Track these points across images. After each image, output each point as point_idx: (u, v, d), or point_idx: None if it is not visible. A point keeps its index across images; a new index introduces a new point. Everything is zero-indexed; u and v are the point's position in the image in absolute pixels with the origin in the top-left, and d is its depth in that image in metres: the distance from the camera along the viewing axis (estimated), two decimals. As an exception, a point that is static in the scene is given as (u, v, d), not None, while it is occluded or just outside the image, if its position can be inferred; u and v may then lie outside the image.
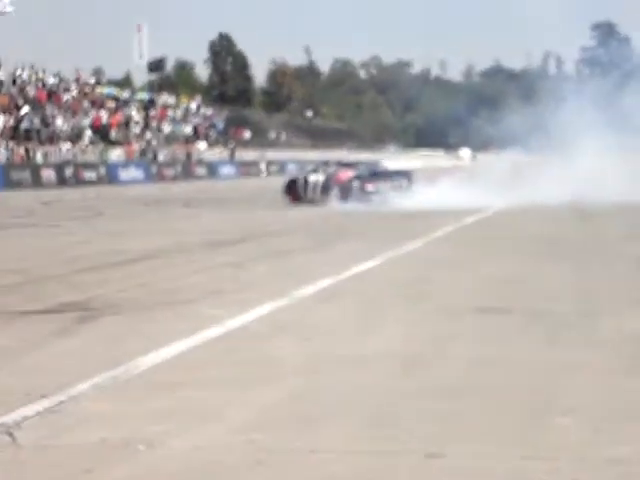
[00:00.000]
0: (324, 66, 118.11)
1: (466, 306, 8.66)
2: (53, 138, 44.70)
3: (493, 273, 11.04)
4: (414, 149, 78.64)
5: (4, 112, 43.20)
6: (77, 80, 54.55)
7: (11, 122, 42.76)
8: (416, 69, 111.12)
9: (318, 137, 78.23)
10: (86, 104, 51.83)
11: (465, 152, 76.71)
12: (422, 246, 14.24)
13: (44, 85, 50.45)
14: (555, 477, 4.29)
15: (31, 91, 48.65)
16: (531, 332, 7.51)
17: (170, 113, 59.90)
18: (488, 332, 7.52)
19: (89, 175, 42.17)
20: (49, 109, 47.46)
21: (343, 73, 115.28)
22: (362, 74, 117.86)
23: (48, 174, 39.27)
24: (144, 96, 60.43)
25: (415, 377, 6.07)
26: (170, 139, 55.58)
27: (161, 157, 51.19)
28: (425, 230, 16.38)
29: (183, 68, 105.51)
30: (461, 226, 17.93)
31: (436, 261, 12.38)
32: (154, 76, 64.71)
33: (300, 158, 55.48)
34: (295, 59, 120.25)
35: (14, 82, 48.77)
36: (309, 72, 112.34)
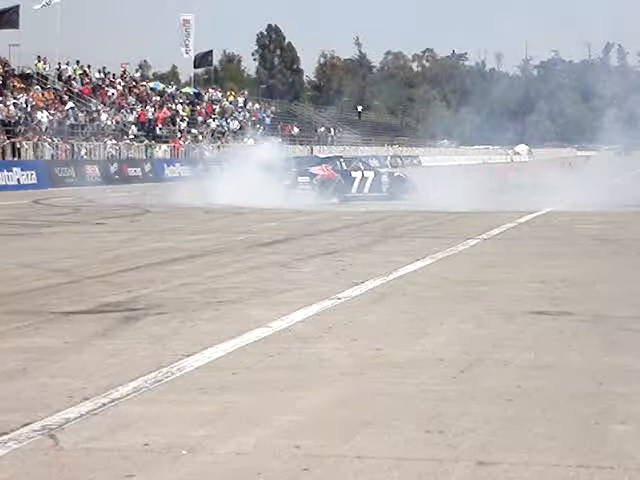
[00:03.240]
0: (375, 59, 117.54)
1: (521, 308, 8.48)
2: (98, 134, 44.91)
3: (550, 274, 10.81)
4: (469, 144, 78.04)
5: (49, 108, 43.47)
6: (123, 75, 54.84)
7: (56, 118, 43.01)
8: (471, 61, 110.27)
9: (369, 132, 77.90)
10: (131, 99, 52.07)
11: (522, 148, 76.15)
12: (474, 246, 14.05)
13: (89, 80, 50.77)
14: (613, 489, 4.14)
15: (76, 86, 48.98)
16: (589, 336, 7.32)
17: (217, 108, 59.99)
18: (544, 335, 7.35)
19: (134, 171, 42.25)
20: (94, 104, 47.74)
21: (395, 66, 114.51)
22: (414, 67, 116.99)
23: (92, 170, 39.43)
24: (190, 91, 60.59)
25: (467, 382, 5.92)
26: (217, 134, 55.64)
27: (207, 153, 51.26)
28: (475, 230, 16.17)
29: (230, 61, 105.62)
30: (517, 224, 17.72)
31: (490, 261, 12.18)
32: (200, 70, 64.89)
33: (350, 154, 55.37)
34: (345, 52, 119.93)
35: (59, 77, 49.13)
36: (360, 65, 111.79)
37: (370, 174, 27.06)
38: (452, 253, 12.96)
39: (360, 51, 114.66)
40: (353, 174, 26.61)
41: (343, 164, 26.90)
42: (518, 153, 75.41)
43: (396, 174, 28.94)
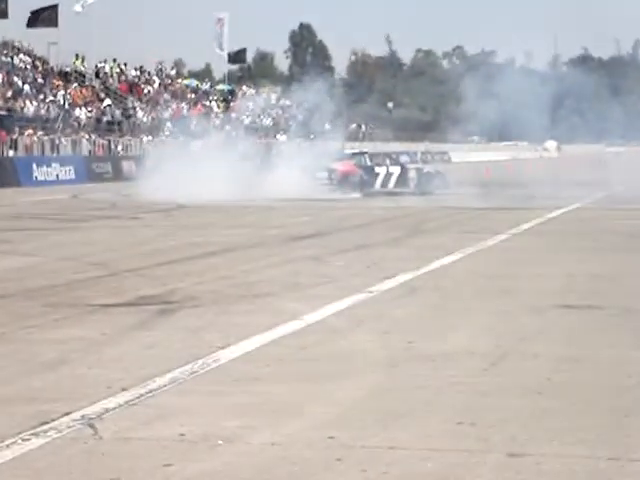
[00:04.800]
0: (406, 56, 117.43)
1: (551, 302, 8.50)
2: (134, 130, 45.21)
3: (580, 268, 10.82)
4: (498, 140, 77.76)
5: (87, 105, 43.84)
6: (158, 72, 55.13)
7: (94, 115, 43.38)
8: (500, 59, 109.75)
9: (399, 129, 77.78)
10: (167, 96, 52.33)
11: (551, 144, 75.71)
12: (504, 240, 14.06)
13: (126, 78, 51.09)
14: (642, 480, 4.18)
15: (113, 84, 49.31)
16: (618, 330, 7.35)
17: (250, 104, 60.12)
18: (574, 329, 7.38)
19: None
20: (130, 101, 48.04)
21: (425, 63, 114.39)
22: (445, 64, 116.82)
23: (129, 166, 39.71)
24: (224, 87, 60.77)
25: (498, 375, 5.97)
26: (250, 131, 55.77)
27: (241, 149, 51.38)
28: (505, 225, 16.16)
29: (263, 59, 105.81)
30: (546, 219, 17.69)
31: (519, 256, 12.20)
32: (234, 67, 65.07)
33: (381, 150, 55.31)
34: (376, 49, 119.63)
35: (97, 75, 49.48)
36: (390, 62, 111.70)
37: (396, 169, 27.05)
38: (482, 248, 12.99)
39: (391, 49, 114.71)
40: (377, 169, 26.69)
41: (367, 159, 27.01)
42: (547, 149, 74.96)
43: (425, 170, 28.88)
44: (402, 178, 26.79)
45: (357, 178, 26.14)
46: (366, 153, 28.63)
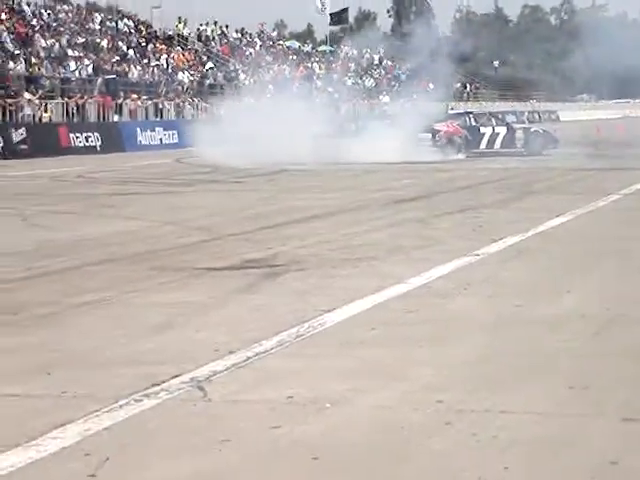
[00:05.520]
0: (512, 12, 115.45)
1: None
2: (236, 93, 45.44)
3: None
4: (609, 99, 76.08)
5: (190, 69, 44.21)
6: (260, 34, 55.28)
7: (196, 78, 43.73)
8: (611, 13, 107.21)
9: (506, 87, 76.80)
10: (268, 58, 52.46)
11: None
12: (615, 201, 13.76)
13: (227, 40, 51.36)
14: None
15: (215, 47, 49.61)
16: None
17: (352, 66, 59.94)
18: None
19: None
20: (232, 64, 48.30)
21: (533, 19, 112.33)
22: (552, 20, 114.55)
23: (231, 130, 39.89)
24: (326, 48, 60.65)
25: (609, 339, 5.85)
26: (352, 92, 55.63)
27: (343, 110, 51.30)
28: (616, 186, 15.81)
29: (366, 19, 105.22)
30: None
31: (631, 216, 11.93)
32: (336, 28, 64.84)
33: (487, 110, 54.69)
34: (481, 6, 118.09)
35: (199, 38, 49.84)
36: (496, 19, 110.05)
37: (502, 129, 26.66)
38: (592, 209, 12.73)
39: (496, 5, 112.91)
40: (482, 130, 26.32)
41: (472, 120, 26.68)
42: None
43: (533, 129, 28.40)
44: (509, 138, 26.39)
45: (462, 139, 25.83)
46: (471, 113, 28.31)
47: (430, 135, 25.66)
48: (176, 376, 5.05)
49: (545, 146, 26.39)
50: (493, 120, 27.41)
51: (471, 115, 27.48)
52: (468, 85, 72.38)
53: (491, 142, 26.23)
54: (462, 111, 29.05)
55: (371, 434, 4.25)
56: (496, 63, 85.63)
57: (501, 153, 25.76)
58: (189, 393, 4.80)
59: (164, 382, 4.94)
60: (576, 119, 64.52)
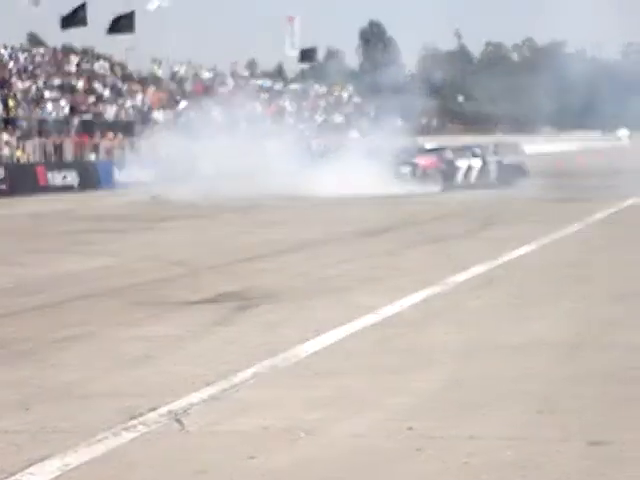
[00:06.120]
0: (475, 49, 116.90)
1: (630, 289, 8.45)
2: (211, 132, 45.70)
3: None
4: (570, 131, 76.94)
5: (164, 108, 44.53)
6: (232, 74, 55.63)
7: (170, 117, 44.00)
8: (570, 49, 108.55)
9: (471, 122, 77.50)
10: (241, 97, 52.73)
11: (623, 132, 74.69)
12: (578, 230, 13.97)
13: (201, 80, 51.70)
14: None
15: (189, 86, 49.93)
16: None
17: (322, 103, 60.33)
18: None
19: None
20: (205, 103, 48.52)
21: (495, 56, 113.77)
22: (515, 57, 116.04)
23: (206, 166, 40.04)
24: (296, 87, 61.05)
25: (577, 363, 5.97)
26: (322, 129, 55.95)
27: (314, 146, 51.58)
28: (579, 215, 16.06)
29: (334, 57, 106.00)
30: (619, 209, 17.51)
31: (595, 244, 12.12)
32: (306, 66, 65.31)
33: (453, 143, 55.08)
34: (445, 44, 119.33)
35: (172, 78, 50.21)
36: (460, 56, 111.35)
37: (477, 162, 27.02)
38: (557, 237, 12.95)
39: (460, 43, 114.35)
40: (458, 163, 26.68)
41: (448, 154, 27.02)
42: (619, 138, 73.77)
43: (505, 162, 28.75)
44: (483, 171, 26.82)
45: (439, 172, 26.20)
46: (446, 147, 28.64)
47: (410, 168, 25.98)
48: (154, 409, 5.12)
49: (516, 177, 26.78)
50: (468, 153, 27.75)
51: (448, 149, 27.85)
52: (434, 119, 73.01)
53: (467, 175, 26.64)
54: (439, 146, 29.30)
55: (344, 462, 4.34)
56: (461, 98, 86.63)
57: (476, 185, 26.06)
58: (167, 426, 4.88)
59: (142, 415, 5.02)
60: (540, 152, 65.08)
